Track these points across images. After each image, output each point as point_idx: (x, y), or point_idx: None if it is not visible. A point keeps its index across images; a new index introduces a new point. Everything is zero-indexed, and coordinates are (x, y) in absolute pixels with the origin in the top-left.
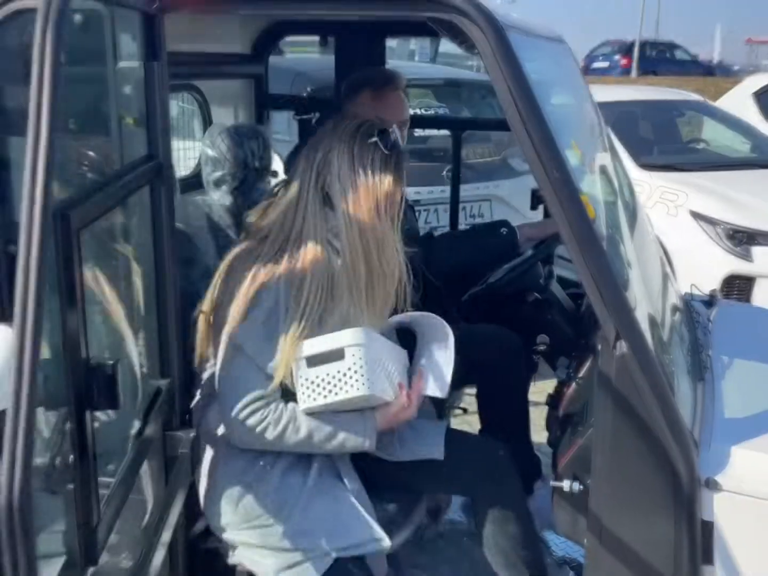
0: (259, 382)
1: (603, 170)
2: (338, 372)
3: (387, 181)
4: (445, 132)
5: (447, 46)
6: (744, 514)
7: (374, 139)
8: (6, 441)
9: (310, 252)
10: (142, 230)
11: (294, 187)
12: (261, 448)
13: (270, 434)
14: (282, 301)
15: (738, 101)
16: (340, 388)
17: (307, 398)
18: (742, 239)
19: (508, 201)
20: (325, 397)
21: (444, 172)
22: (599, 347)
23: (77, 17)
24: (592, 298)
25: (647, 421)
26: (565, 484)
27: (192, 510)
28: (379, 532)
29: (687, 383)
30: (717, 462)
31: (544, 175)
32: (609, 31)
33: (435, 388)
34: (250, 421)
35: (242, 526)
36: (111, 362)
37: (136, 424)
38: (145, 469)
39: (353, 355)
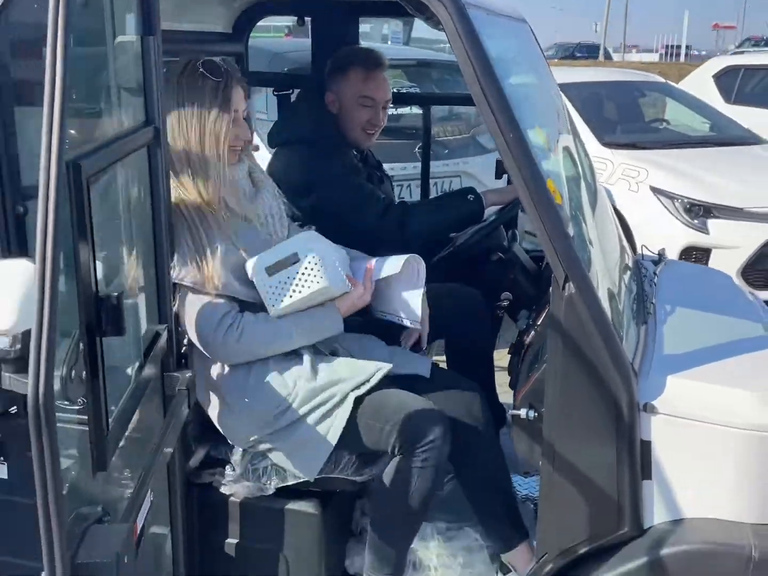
0: (218, 303)
1: (564, 146)
2: (297, 273)
3: (215, 108)
4: (417, 111)
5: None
6: (677, 433)
7: (200, 70)
8: (32, 352)
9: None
10: (141, 187)
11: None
12: (248, 359)
13: (249, 341)
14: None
15: (699, 83)
16: (302, 286)
17: (275, 302)
18: (698, 212)
19: (477, 177)
20: (290, 297)
21: (416, 149)
22: (553, 290)
23: None
24: (545, 247)
25: (592, 353)
26: (522, 412)
27: (188, 447)
28: (377, 363)
29: (632, 325)
30: (654, 389)
31: (501, 138)
32: (575, 22)
33: (387, 270)
34: (228, 338)
35: (266, 424)
36: (117, 294)
37: (137, 365)
38: (145, 406)
39: (305, 256)
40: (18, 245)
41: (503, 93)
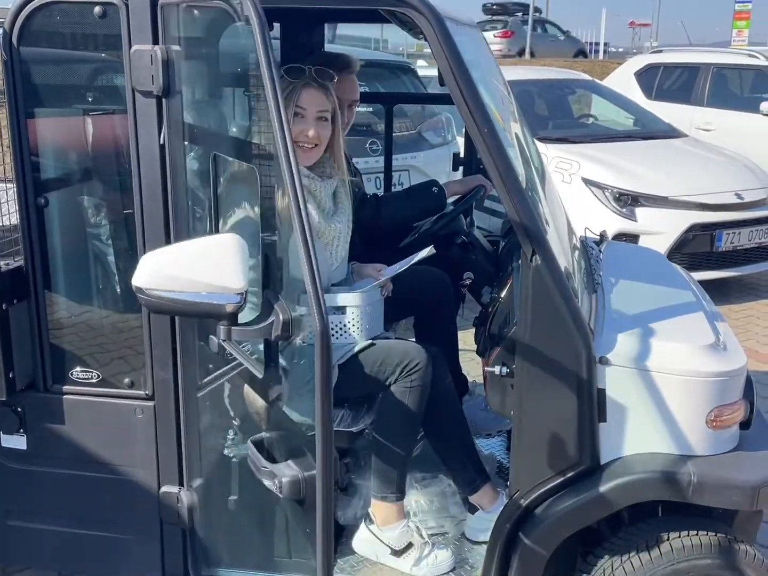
0: None
1: (516, 136)
2: (339, 323)
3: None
4: (367, 108)
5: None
6: (626, 381)
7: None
8: (310, 294)
9: None
10: None
11: None
12: None
13: None
14: None
15: (622, 80)
16: (340, 335)
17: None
18: (627, 201)
19: (424, 170)
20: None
21: (366, 145)
22: (520, 263)
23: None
24: (515, 225)
25: (556, 316)
26: (496, 369)
27: None
28: None
29: (585, 293)
30: (607, 345)
31: (476, 130)
32: None
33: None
34: None
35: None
36: None
37: None
38: None
39: (353, 312)
40: (39, 234)
41: (479, 93)
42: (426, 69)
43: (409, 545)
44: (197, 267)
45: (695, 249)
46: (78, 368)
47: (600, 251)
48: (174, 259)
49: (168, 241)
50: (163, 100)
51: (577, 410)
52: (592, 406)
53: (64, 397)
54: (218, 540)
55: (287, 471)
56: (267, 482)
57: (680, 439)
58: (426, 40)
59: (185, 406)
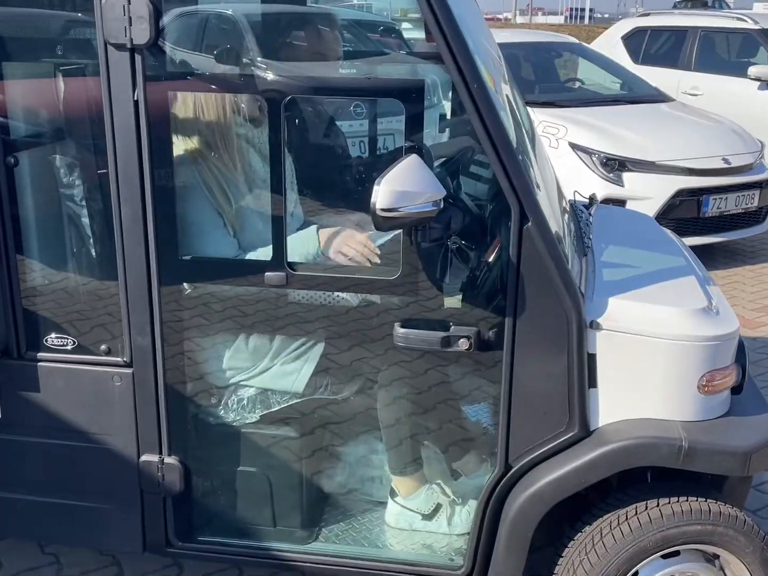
0: None
1: (507, 98)
2: None
3: None
4: (350, 70)
5: None
6: (617, 346)
7: None
8: None
9: None
10: None
11: None
12: None
13: None
14: None
15: (609, 44)
16: None
17: None
18: (614, 166)
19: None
20: None
21: (351, 108)
22: (509, 225)
23: None
24: (504, 187)
25: (547, 280)
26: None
27: None
28: None
29: (575, 257)
30: (598, 309)
31: (465, 90)
32: None
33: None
34: None
35: None
36: None
37: None
38: None
39: None
40: (9, 195)
41: (468, 49)
42: (411, 32)
43: (438, 506)
44: (409, 183)
45: (682, 214)
46: (53, 334)
47: (590, 215)
48: (400, 180)
49: (144, 201)
50: (137, 54)
51: (567, 375)
52: (582, 371)
53: (39, 364)
54: (200, 509)
55: None
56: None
57: (671, 405)
58: None
59: (164, 373)
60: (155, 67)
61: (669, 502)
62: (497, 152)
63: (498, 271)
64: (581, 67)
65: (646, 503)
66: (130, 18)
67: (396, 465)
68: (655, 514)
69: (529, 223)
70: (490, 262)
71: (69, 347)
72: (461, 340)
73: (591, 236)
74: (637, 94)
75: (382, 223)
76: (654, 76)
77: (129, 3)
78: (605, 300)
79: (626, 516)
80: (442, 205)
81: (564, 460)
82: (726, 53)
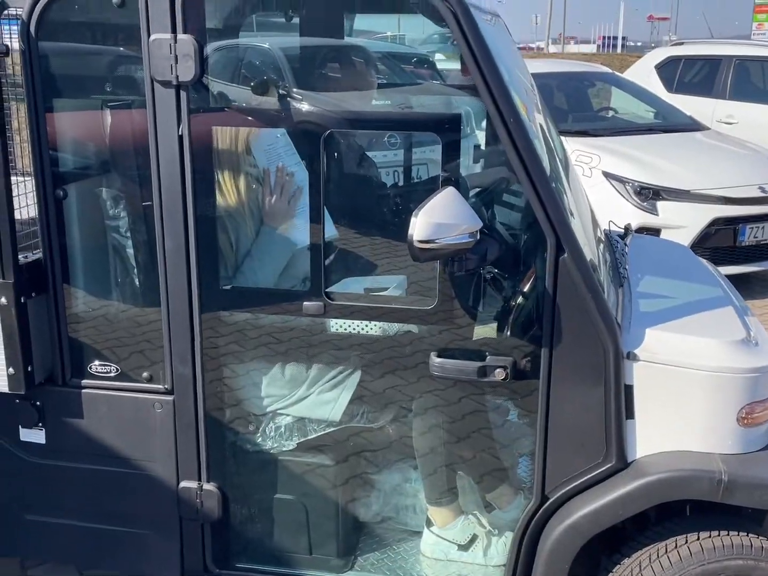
0: None
1: (541, 127)
2: None
3: None
4: (385, 101)
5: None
6: (655, 377)
7: None
8: None
9: None
10: None
11: None
12: None
13: None
14: None
15: (642, 73)
16: None
17: None
18: (648, 195)
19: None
20: None
21: (385, 138)
22: (545, 256)
23: None
24: (540, 218)
25: (584, 311)
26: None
27: None
28: None
29: (611, 287)
30: (635, 340)
31: (500, 122)
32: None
33: None
34: None
35: None
36: None
37: None
38: None
39: None
40: (57, 227)
41: (504, 81)
42: (445, 62)
43: (474, 537)
44: (446, 215)
45: (718, 243)
46: (96, 362)
47: (625, 244)
48: (437, 212)
49: (186, 232)
50: (182, 90)
51: (604, 407)
52: (620, 402)
53: (83, 390)
54: (238, 536)
55: None
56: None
57: (710, 437)
58: (448, 27)
59: (204, 400)
60: (199, 102)
61: (710, 536)
62: (533, 184)
63: (533, 302)
64: (614, 96)
65: (686, 537)
66: (176, 56)
67: (432, 494)
68: (695, 547)
69: (565, 254)
70: (525, 292)
71: (112, 374)
72: (497, 370)
73: (627, 266)
74: (671, 123)
75: (419, 254)
76: (688, 104)
77: (175, 41)
78: (642, 331)
79: (666, 549)
80: (478, 237)
81: (602, 492)
82: (761, 81)
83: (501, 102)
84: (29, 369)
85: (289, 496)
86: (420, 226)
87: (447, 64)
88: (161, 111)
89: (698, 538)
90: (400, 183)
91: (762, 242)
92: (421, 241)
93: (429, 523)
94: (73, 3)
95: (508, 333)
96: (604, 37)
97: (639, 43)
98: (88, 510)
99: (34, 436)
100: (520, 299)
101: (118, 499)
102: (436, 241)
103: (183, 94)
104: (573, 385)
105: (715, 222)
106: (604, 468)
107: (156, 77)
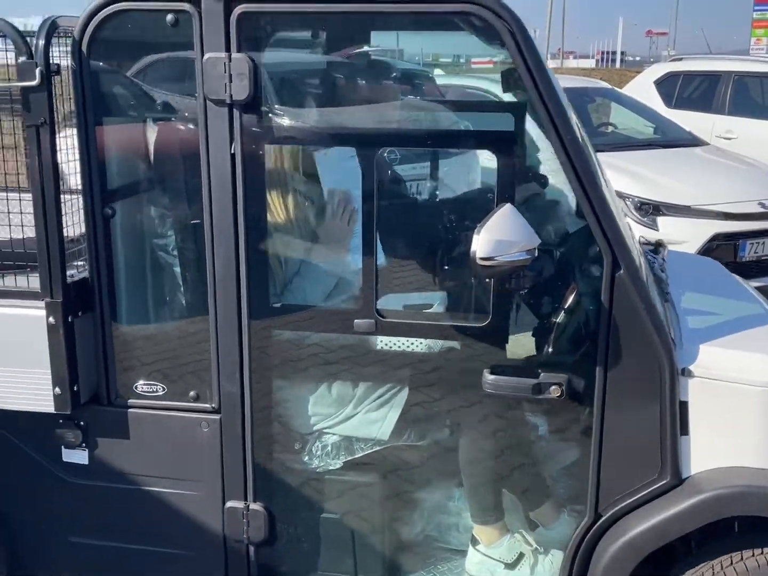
0: None
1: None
2: None
3: None
4: None
5: None
6: (710, 393)
7: None
8: None
9: None
10: None
11: None
12: None
13: None
14: None
15: (641, 88)
16: None
17: None
18: (648, 210)
19: (444, 180)
20: None
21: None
22: (601, 273)
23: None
24: (597, 235)
25: (639, 326)
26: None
27: None
28: None
29: (660, 303)
30: (689, 356)
31: (558, 140)
32: None
33: None
34: None
35: None
36: None
37: None
38: None
39: None
40: (105, 246)
41: (561, 100)
42: (443, 78)
43: (521, 555)
44: (505, 232)
45: (718, 259)
46: (142, 381)
47: (663, 260)
48: (498, 229)
49: (237, 251)
50: (235, 109)
51: (659, 423)
52: (675, 419)
53: (129, 410)
54: (283, 556)
55: None
56: None
57: (765, 453)
58: (502, 46)
59: (252, 420)
60: (252, 121)
61: (762, 553)
62: (590, 202)
63: (587, 318)
64: (614, 111)
65: (741, 553)
66: (230, 75)
67: (478, 514)
68: (751, 563)
69: (621, 271)
70: (579, 308)
71: (158, 393)
72: (553, 386)
73: (669, 282)
74: (670, 138)
75: (482, 272)
76: (687, 120)
77: (230, 60)
78: (696, 347)
79: (721, 566)
80: (536, 254)
81: (657, 508)
82: (760, 97)
83: (558, 120)
84: (75, 389)
85: (335, 516)
86: (482, 243)
87: (446, 79)
88: (214, 129)
89: (753, 555)
90: (437, 198)
91: (763, 257)
92: (483, 258)
93: (474, 542)
94: (126, 22)
95: (562, 350)
96: (602, 52)
97: (638, 58)
98: (132, 531)
99: (77, 456)
100: (573, 316)
101: (162, 520)
102: (496, 258)
103: (236, 112)
104: (628, 402)
105: (716, 237)
106: (658, 485)
107: (209, 96)
